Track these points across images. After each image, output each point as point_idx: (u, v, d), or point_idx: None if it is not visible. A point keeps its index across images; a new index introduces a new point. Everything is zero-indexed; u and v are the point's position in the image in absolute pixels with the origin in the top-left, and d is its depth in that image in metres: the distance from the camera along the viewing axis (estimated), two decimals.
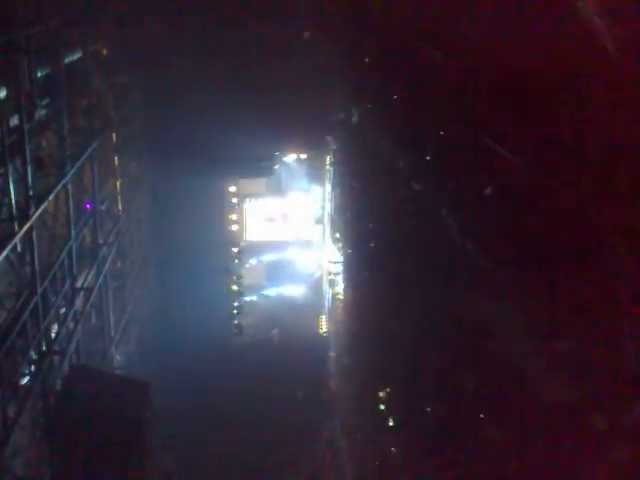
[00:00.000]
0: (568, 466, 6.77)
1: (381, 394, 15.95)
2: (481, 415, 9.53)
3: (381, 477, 15.63)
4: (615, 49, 5.56)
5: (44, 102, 12.65)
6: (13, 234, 10.62)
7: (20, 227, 10.85)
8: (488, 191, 8.91)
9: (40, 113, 12.26)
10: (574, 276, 6.72)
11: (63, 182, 13.27)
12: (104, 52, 17.88)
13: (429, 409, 12.20)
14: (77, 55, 14.89)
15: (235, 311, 26.40)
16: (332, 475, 20.88)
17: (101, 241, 16.77)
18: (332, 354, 25.89)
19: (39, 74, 12.25)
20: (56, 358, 12.86)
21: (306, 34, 21.28)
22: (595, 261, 6.30)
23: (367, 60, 16.21)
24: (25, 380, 11.60)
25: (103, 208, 17.54)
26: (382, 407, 15.80)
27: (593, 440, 6.26)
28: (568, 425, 6.68)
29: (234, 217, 29.41)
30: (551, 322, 7.16)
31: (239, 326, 26.02)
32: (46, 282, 12.22)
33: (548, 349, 7.18)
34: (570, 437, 6.66)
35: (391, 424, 15.18)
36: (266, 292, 30.02)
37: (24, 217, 11.10)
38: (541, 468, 7.52)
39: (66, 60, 13.94)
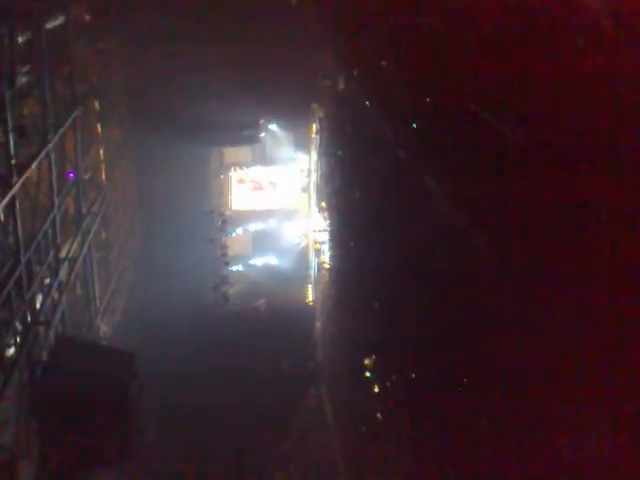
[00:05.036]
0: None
1: (367, 361, 16.05)
2: (465, 381, 9.59)
3: (368, 444, 15.80)
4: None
5: (25, 69, 12.44)
6: None
7: (2, 196, 10.72)
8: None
9: (21, 80, 12.05)
10: (560, 251, 6.71)
11: (46, 150, 13.10)
12: (86, 18, 17.57)
13: (414, 375, 12.29)
14: (59, 21, 14.60)
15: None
16: (318, 442, 21.09)
17: (85, 210, 16.63)
18: (318, 323, 25.99)
19: (20, 40, 12.02)
20: (41, 329, 12.82)
21: None
22: (584, 234, 6.28)
23: (354, 25, 16.00)
24: (10, 351, 11.56)
25: (86, 177, 17.36)
26: (368, 374, 15.91)
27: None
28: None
29: (219, 186, 29.27)
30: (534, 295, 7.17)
31: (225, 296, 25.99)
32: (30, 252, 12.12)
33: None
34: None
35: (377, 390, 15.29)
36: (252, 262, 30.00)
37: (6, 186, 10.96)
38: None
39: (47, 26, 13.68)
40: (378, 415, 15.09)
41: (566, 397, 6.25)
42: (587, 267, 6.01)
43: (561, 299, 6.42)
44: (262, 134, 28.08)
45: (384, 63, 13.89)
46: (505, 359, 7.92)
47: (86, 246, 16.39)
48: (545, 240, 6.92)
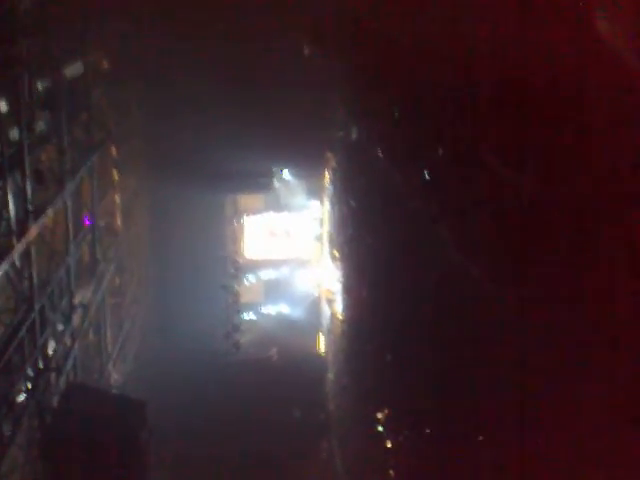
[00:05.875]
0: None
1: (379, 415, 15.80)
2: (480, 437, 9.41)
3: None
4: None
5: (44, 115, 12.64)
6: (11, 249, 10.55)
7: (18, 242, 10.78)
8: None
9: (40, 126, 12.24)
10: (573, 294, 6.64)
11: (62, 196, 13.22)
12: (105, 65, 17.91)
13: (428, 431, 12.07)
14: (77, 68, 14.89)
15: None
16: None
17: (100, 257, 16.69)
18: (330, 374, 25.70)
19: (39, 87, 12.24)
20: (53, 375, 12.74)
21: (306, 50, 21.35)
22: (594, 277, 6.21)
23: (366, 77, 16.24)
24: (21, 397, 11.48)
25: (102, 224, 17.47)
26: (380, 428, 15.65)
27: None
28: None
29: (232, 233, 29.39)
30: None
31: (237, 344, 25.84)
32: (44, 298, 12.13)
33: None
34: None
35: (389, 446, 15.01)
36: (264, 310, 29.89)
37: (22, 232, 11.03)
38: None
39: (66, 73, 13.94)
40: (391, 472, 14.79)
41: None
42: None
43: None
44: (276, 182, 28.30)
45: (396, 114, 14.03)
46: (521, 413, 7.79)
47: (100, 292, 16.41)
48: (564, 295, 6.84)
